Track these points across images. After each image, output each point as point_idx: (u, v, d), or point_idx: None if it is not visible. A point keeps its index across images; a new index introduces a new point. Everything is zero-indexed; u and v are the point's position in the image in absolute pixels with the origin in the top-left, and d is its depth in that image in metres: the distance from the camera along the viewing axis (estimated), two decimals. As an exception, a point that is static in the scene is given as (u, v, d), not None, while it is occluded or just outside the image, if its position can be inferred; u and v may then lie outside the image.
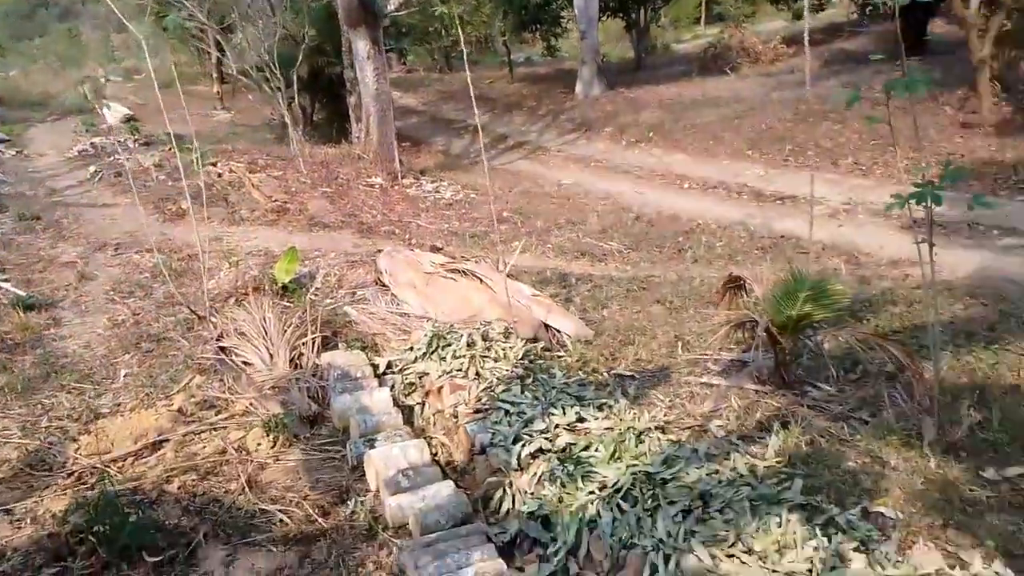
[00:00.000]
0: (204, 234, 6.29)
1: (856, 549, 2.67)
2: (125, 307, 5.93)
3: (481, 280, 6.22)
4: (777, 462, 3.60)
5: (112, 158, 11.58)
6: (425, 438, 4.23)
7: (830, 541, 2.72)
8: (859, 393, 4.31)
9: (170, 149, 11.52)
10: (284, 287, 6.39)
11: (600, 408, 4.11)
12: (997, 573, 2.52)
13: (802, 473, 3.46)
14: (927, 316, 4.37)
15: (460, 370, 4.66)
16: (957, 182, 4.20)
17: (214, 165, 11.09)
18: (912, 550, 2.84)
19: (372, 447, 3.96)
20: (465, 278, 6.30)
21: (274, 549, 3.25)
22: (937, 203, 3.51)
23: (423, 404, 4.70)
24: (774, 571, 2.62)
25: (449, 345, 4.98)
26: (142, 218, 7.93)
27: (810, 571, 2.57)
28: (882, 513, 3.15)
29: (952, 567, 2.57)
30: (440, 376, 4.65)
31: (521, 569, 3.27)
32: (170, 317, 5.76)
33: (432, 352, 4.96)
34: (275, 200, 10.00)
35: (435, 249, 7.79)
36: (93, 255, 7.11)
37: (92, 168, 11.08)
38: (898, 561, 2.63)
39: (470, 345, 4.95)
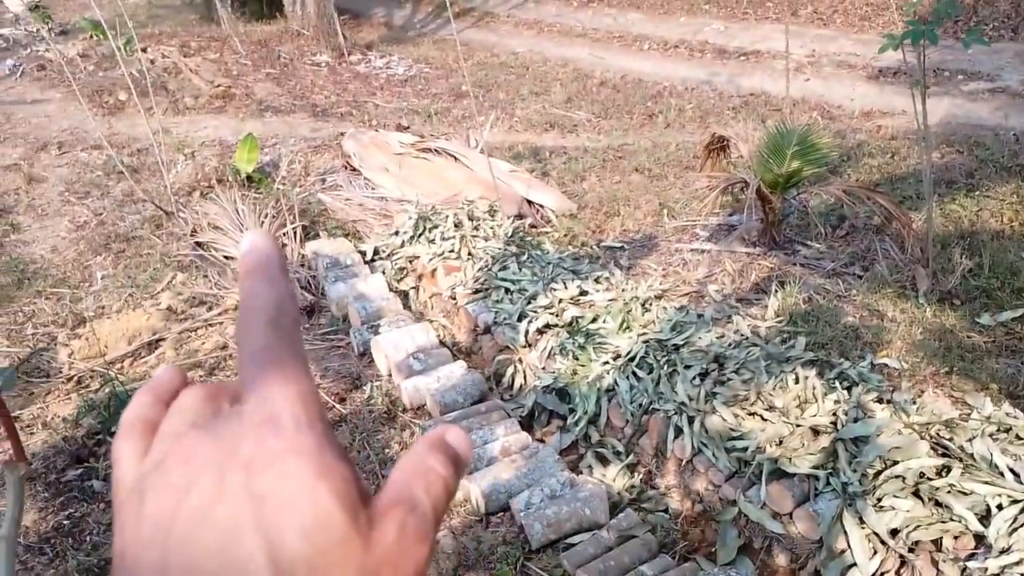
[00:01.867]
0: (150, 126, 5.88)
1: (876, 400, 2.79)
2: (84, 208, 5.60)
3: (456, 158, 6.05)
4: (778, 321, 3.70)
5: (29, 50, 10.62)
6: (426, 321, 4.20)
7: (850, 393, 2.82)
8: (849, 248, 4.41)
9: (91, 37, 10.63)
10: (249, 177, 6.12)
11: (598, 281, 4.12)
12: (1008, 414, 2.67)
13: (804, 331, 3.57)
14: (922, 164, 4.41)
15: (452, 251, 4.58)
16: (951, 18, 4.13)
17: (144, 51, 10.28)
18: (922, 398, 2.99)
19: (376, 333, 3.92)
20: (439, 157, 6.11)
21: (298, 437, 3.25)
22: (933, 42, 3.44)
23: (417, 288, 4.65)
24: (798, 425, 2.73)
25: (436, 227, 4.87)
26: (81, 113, 7.37)
27: (834, 423, 2.68)
28: (886, 364, 3.29)
29: (968, 413, 2.71)
30: (432, 259, 4.58)
31: (542, 440, 3.36)
32: (135, 215, 5.48)
33: (419, 235, 4.86)
34: (218, 85, 9.40)
35: (401, 128, 7.50)
36: (36, 156, 6.63)
37: (9, 62, 10.16)
38: (917, 409, 2.75)
39: (457, 226, 4.85)
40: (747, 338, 3.49)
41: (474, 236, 4.71)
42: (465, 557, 2.65)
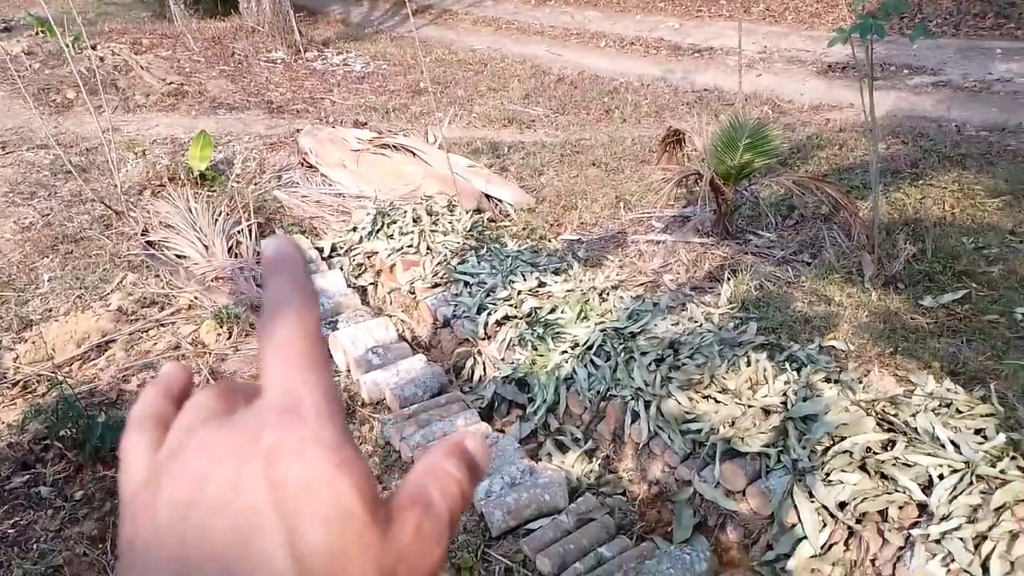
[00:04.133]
0: (100, 124, 5.75)
1: (824, 380, 2.87)
2: (30, 209, 5.45)
3: (414, 154, 6.03)
4: (731, 308, 3.77)
5: (-30, 47, 10.29)
6: (384, 316, 4.19)
7: (799, 374, 2.90)
8: (798, 237, 4.51)
9: (37, 33, 10.35)
10: (202, 175, 6.01)
11: (556, 272, 4.15)
12: (948, 390, 2.77)
13: (755, 316, 3.65)
14: (868, 155, 4.53)
15: (411, 246, 4.58)
16: (898, 13, 4.26)
17: (93, 48, 10.03)
18: (868, 377, 3.08)
19: (335, 329, 3.90)
20: (397, 153, 6.09)
21: (255, 436, 3.22)
22: (880, 36, 3.55)
23: (376, 284, 4.63)
24: (749, 406, 2.79)
25: (395, 222, 4.86)
26: (26, 112, 7.18)
27: (784, 403, 2.75)
28: (834, 347, 3.38)
29: (912, 390, 2.80)
30: (390, 254, 4.57)
31: (502, 430, 3.38)
32: (84, 216, 5.35)
33: (378, 231, 4.84)
34: (170, 83, 9.23)
35: (359, 124, 7.45)
36: (-22, 156, 6.45)
37: (-51, 59, 9.84)
38: (863, 388, 2.84)
39: (416, 221, 4.84)
40: (701, 325, 3.56)
41: (433, 231, 4.71)
42: (425, 546, 2.66)
